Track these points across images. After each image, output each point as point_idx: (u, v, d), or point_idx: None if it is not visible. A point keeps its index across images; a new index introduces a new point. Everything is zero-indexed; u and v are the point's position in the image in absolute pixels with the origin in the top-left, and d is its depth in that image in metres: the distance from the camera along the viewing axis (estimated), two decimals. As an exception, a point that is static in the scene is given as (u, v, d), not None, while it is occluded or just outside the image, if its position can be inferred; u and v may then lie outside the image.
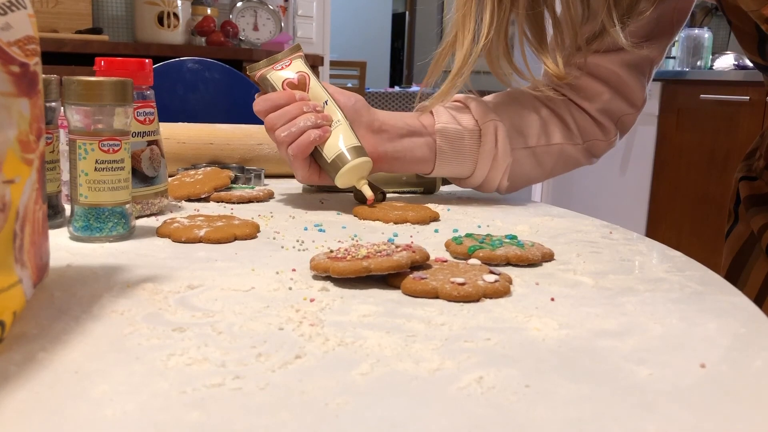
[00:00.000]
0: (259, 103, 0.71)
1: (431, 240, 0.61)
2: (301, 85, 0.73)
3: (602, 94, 0.79)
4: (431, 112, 0.77)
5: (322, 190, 0.84)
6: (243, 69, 2.34)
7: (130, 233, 0.58)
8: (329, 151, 0.70)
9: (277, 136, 0.70)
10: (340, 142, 0.70)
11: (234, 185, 0.81)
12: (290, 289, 0.46)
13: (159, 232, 0.59)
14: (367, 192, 0.71)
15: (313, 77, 0.74)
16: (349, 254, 0.48)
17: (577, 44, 0.74)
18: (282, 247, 0.57)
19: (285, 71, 0.74)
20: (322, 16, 3.34)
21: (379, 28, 6.10)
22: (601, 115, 0.80)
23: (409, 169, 0.78)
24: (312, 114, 0.70)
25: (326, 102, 0.73)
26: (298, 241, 0.59)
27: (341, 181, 0.71)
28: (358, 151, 0.71)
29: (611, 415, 0.30)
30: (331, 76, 3.95)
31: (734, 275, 0.76)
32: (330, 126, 0.71)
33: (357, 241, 0.59)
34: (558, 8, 0.75)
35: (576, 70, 0.77)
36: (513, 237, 0.58)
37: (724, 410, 0.31)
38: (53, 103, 0.60)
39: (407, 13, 6.43)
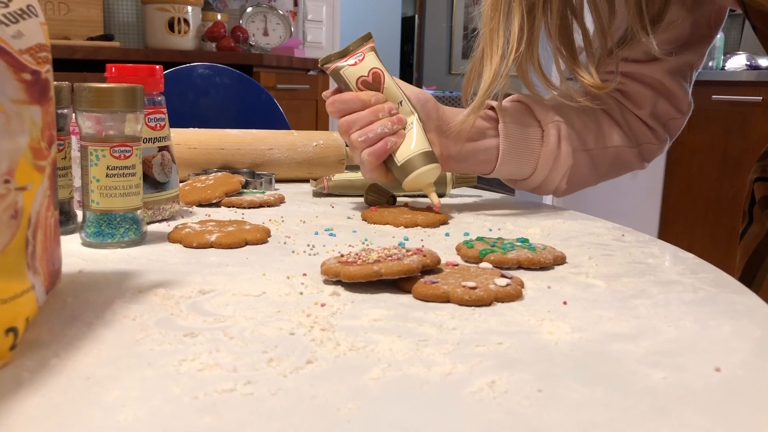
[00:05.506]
0: (334, 104, 0.69)
1: (442, 244, 0.61)
2: (375, 84, 0.71)
3: (650, 99, 0.79)
4: (494, 110, 0.76)
5: (333, 195, 0.84)
6: (253, 74, 2.35)
7: (141, 239, 0.58)
8: (400, 155, 0.69)
9: (353, 140, 0.69)
10: (412, 145, 0.69)
11: (245, 190, 0.82)
12: (301, 293, 0.45)
13: (170, 238, 0.59)
14: (434, 199, 0.70)
15: (387, 74, 0.71)
16: (359, 258, 0.48)
17: (608, 49, 0.74)
18: (293, 252, 0.57)
19: (359, 66, 0.71)
20: (331, 20, 3.35)
21: (388, 31, 6.09)
22: (651, 119, 0.80)
23: (472, 171, 0.78)
24: (388, 120, 0.69)
25: (401, 102, 0.71)
26: (308, 245, 0.59)
27: (409, 185, 0.70)
28: (429, 156, 0.69)
29: (625, 420, 0.29)
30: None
31: (749, 277, 0.75)
32: (405, 130, 0.70)
33: (368, 245, 0.59)
34: (586, 17, 0.74)
35: (611, 76, 0.76)
36: (524, 240, 0.57)
37: (740, 415, 0.30)
38: (65, 110, 0.60)
39: (416, 16, 6.43)
